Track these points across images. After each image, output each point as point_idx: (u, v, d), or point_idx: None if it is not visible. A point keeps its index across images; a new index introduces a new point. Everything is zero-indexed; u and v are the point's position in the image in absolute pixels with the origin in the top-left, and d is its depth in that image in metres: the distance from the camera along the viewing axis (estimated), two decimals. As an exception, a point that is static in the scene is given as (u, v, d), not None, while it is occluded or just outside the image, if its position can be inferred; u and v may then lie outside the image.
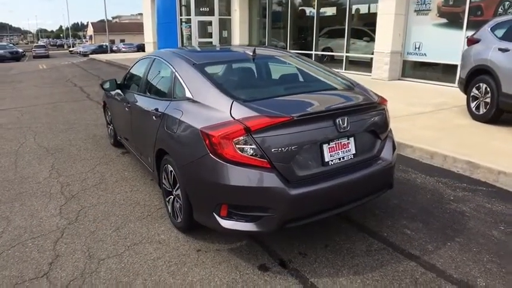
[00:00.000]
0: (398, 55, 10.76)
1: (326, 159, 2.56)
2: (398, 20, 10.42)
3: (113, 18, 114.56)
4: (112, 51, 41.53)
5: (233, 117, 2.42)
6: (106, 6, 48.15)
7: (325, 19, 14.33)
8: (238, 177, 2.35)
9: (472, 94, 6.16)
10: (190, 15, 19.17)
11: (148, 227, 3.25)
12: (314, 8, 14.25)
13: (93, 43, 64.14)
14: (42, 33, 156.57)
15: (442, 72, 9.99)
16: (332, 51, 13.74)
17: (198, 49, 4.45)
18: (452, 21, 9.51)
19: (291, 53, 3.81)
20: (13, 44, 68.32)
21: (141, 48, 37.69)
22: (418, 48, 10.34)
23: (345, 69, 12.83)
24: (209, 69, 3.06)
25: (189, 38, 19.67)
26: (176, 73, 3.14)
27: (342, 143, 2.64)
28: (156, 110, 3.18)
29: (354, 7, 12.66)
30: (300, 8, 15.86)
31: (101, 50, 42.42)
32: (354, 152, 2.71)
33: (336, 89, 3.12)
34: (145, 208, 3.59)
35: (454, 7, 9.46)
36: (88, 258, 2.82)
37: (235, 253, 2.84)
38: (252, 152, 2.35)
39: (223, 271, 2.63)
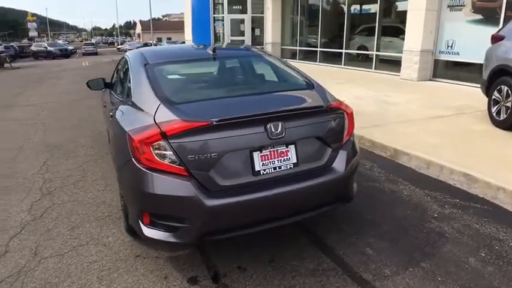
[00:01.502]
0: (429, 54, 10.05)
1: (257, 169, 2.36)
2: (430, 16, 9.72)
3: (163, 16, 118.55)
4: (157, 49, 42.74)
5: (155, 121, 2.29)
6: (156, 5, 49.86)
7: (356, 17, 13.78)
8: (156, 184, 2.22)
9: (493, 97, 5.57)
10: (223, 13, 19.28)
11: (102, 228, 3.21)
12: (345, 6, 13.74)
13: (141, 41, 66.69)
14: (96, 31, 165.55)
15: (475, 72, 9.17)
16: (362, 50, 13.16)
17: (168, 48, 4.35)
18: (488, 17, 8.70)
19: (263, 53, 3.59)
20: (68, 41, 72.82)
21: (183, 45, 38.51)
22: (451, 46, 9.59)
23: (374, 69, 12.26)
24: (160, 69, 2.96)
25: (222, 36, 19.80)
26: (130, 73, 3.07)
27: (279, 151, 2.42)
28: (111, 110, 3.13)
29: (386, 4, 12.03)
30: (331, 5, 15.40)
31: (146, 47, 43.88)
32: (294, 161, 2.47)
33: (286, 90, 2.89)
34: (108, 208, 3.56)
35: (489, 2, 8.64)
36: (32, 256, 2.83)
37: (172, 262, 2.71)
38: (169, 158, 2.21)
39: (150, 280, 2.51)
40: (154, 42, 43.98)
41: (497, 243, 2.88)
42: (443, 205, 3.49)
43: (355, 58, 13.56)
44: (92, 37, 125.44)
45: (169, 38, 68.00)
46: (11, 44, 42.39)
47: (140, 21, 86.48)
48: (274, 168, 2.40)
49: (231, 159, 2.30)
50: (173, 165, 2.21)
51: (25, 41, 61.54)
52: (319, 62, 15.44)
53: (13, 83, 15.06)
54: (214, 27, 20.14)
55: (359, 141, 5.24)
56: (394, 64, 11.30)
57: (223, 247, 2.85)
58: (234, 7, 19.01)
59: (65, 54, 34.34)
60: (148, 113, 2.41)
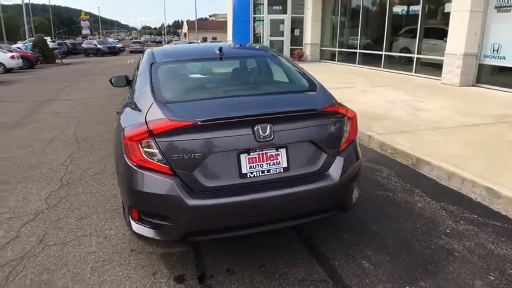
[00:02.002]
0: (473, 58, 9.46)
1: (244, 171, 2.32)
2: (475, 17, 9.14)
3: (210, 16, 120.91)
4: (201, 48, 43.75)
5: (145, 119, 2.32)
6: (204, 5, 51.18)
7: (398, 18, 13.29)
8: (142, 181, 2.25)
9: (534, 107, 5.13)
10: (262, 14, 19.31)
11: (107, 220, 3.32)
12: (387, 7, 13.26)
13: (186, 40, 68.42)
14: (145, 30, 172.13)
15: (524, 79, 8.53)
16: (403, 52, 12.65)
17: (180, 47, 4.38)
18: (540, 19, 8.04)
19: (274, 54, 3.52)
20: (118, 39, 76.20)
21: (229, 45, 39.14)
22: (497, 50, 8.96)
23: (415, 72, 11.74)
24: (164, 68, 3.00)
25: (261, 36, 19.84)
26: (138, 71, 3.15)
27: (268, 155, 2.36)
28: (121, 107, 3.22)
29: (429, 5, 11.48)
30: (372, 6, 14.95)
31: (190, 46, 45.03)
32: (285, 165, 2.40)
33: (285, 92, 2.83)
34: (117, 202, 3.67)
35: (542, 3, 7.99)
36: (37, 243, 2.98)
37: (165, 258, 2.75)
38: (155, 156, 2.23)
39: (139, 275, 2.56)
40: (199, 41, 44.99)
41: (511, 266, 2.65)
42: (458, 220, 3.26)
43: (396, 61, 13.06)
44: (141, 36, 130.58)
45: (214, 38, 69.19)
46: (65, 41, 45.13)
47: (187, 21, 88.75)
48: (263, 172, 2.35)
49: (217, 160, 2.28)
50: (159, 163, 2.23)
51: (79, 39, 65.25)
52: (358, 64, 15.05)
53: (60, 77, 16.02)
54: (254, 27, 20.23)
55: (380, 147, 5.05)
56: (436, 68, 10.75)
57: (217, 247, 2.85)
58: (274, 7, 18.97)
59: (113, 51, 36.00)
60: (142, 111, 2.46)
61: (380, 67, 13.54)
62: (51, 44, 30.74)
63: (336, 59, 16.81)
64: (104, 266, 2.68)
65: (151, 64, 3.03)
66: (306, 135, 2.45)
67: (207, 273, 2.59)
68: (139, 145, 2.24)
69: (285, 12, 18.74)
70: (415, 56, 11.75)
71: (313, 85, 2.92)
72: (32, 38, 27.71)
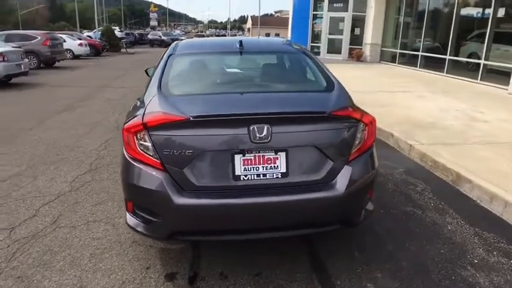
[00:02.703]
0: (549, 67, 8.42)
1: (237, 173, 2.18)
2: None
3: (275, 12, 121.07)
4: (263, 43, 43.93)
5: (144, 112, 2.28)
6: (271, 1, 51.03)
7: (465, 21, 12.25)
8: (134, 174, 2.22)
9: None
10: (322, 11, 18.85)
11: (120, 208, 3.36)
12: (454, 9, 12.26)
13: (249, 35, 69.14)
14: (212, 23, 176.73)
15: None
16: (468, 58, 11.64)
17: (204, 39, 4.29)
18: None
19: (299, 51, 3.29)
20: (185, 32, 79.02)
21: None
22: None
23: (480, 80, 10.73)
24: (180, 61, 2.97)
25: (319, 34, 19.40)
26: (158, 63, 3.14)
27: (266, 158, 2.20)
28: None
29: (501, 8, 10.42)
30: (439, 8, 13.92)
31: (252, 41, 45.48)
32: (283, 170, 2.22)
33: (297, 92, 2.68)
34: (135, 191, 3.72)
35: None
36: (50, 223, 3.10)
37: (163, 253, 2.71)
38: (148, 150, 2.18)
39: (133, 268, 2.55)
40: (261, 37, 45.19)
41: (545, 312, 2.26)
42: (491, 251, 2.86)
43: (460, 66, 12.05)
44: (207, 29, 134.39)
45: (277, 34, 69.17)
46: (132, 31, 47.69)
47: (251, 16, 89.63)
48: (258, 176, 2.20)
49: (209, 159, 2.17)
50: (151, 157, 2.18)
51: (148, 30, 68.72)
52: (420, 67, 14.11)
53: (120, 66, 16.92)
54: (313, 24, 19.83)
55: (421, 159, 4.64)
56: (505, 76, 9.74)
57: (217, 247, 2.76)
58: (335, 5, 18.45)
59: (177, 43, 37.24)
60: (145, 104, 2.43)
61: (442, 72, 12.58)
62: (119, 34, 32.63)
63: (397, 61, 15.92)
64: (103, 253, 2.71)
65: (169, 56, 3.01)
66: (310, 140, 2.25)
67: (199, 274, 2.50)
68: (135, 137, 2.21)
69: (346, 10, 18.14)
70: (482, 62, 10.74)
71: (331, 85, 2.69)
72: (101, 28, 29.66)
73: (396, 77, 11.97)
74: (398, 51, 15.86)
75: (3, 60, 9.47)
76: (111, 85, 10.69)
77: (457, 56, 12.21)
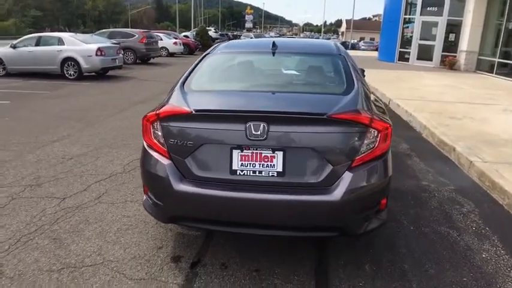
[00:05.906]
0: None
1: (234, 167, 2.27)
2: None
3: (373, 16, 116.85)
4: (353, 48, 42.82)
5: (162, 104, 2.51)
6: (368, 4, 49.73)
7: None
8: (147, 160, 2.45)
9: None
10: (414, 15, 17.73)
11: (156, 193, 3.68)
12: None
13: (342, 39, 67.79)
14: (307, 26, 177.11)
15: None
16: None
17: (248, 40, 4.39)
18: None
19: (336, 54, 3.21)
20: (280, 34, 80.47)
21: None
22: None
23: None
24: (212, 59, 3.18)
25: (409, 39, 18.28)
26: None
27: (263, 155, 2.25)
28: None
29: None
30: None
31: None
32: (279, 169, 2.25)
33: (311, 93, 2.70)
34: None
35: None
36: (95, 198, 3.54)
37: (177, 237, 2.92)
38: (159, 139, 2.39)
39: (147, 245, 2.80)
40: (355, 41, 43.91)
41: None
42: (526, 285, 2.51)
43: None
44: (302, 32, 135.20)
45: (372, 39, 66.74)
46: (227, 32, 50.02)
47: (346, 20, 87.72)
48: (254, 172, 2.27)
49: (209, 152, 2.31)
50: (160, 146, 2.39)
51: (244, 31, 71.58)
52: (521, 79, 12.53)
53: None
54: (403, 28, 18.75)
55: (479, 177, 4.20)
56: None
57: (229, 240, 2.88)
58: (428, 8, 17.23)
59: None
60: (167, 97, 2.66)
61: (549, 86, 11.00)
62: (214, 35, 34.55)
63: (494, 71, 14.31)
64: (127, 229, 3.01)
65: (206, 55, 3.22)
66: (308, 141, 2.24)
67: (202, 260, 2.65)
68: (152, 127, 2.44)
69: (440, 14, 16.83)
70: None
71: (349, 89, 2.61)
72: (196, 28, 31.76)
73: (488, 89, 10.78)
74: (497, 60, 14.23)
75: (101, 55, 10.79)
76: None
77: None
